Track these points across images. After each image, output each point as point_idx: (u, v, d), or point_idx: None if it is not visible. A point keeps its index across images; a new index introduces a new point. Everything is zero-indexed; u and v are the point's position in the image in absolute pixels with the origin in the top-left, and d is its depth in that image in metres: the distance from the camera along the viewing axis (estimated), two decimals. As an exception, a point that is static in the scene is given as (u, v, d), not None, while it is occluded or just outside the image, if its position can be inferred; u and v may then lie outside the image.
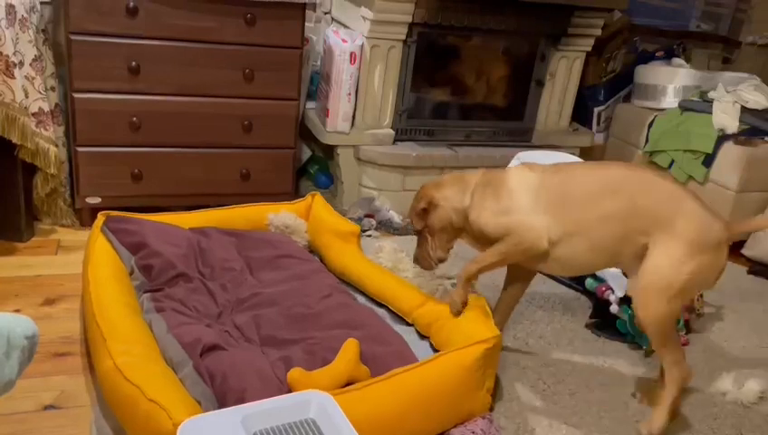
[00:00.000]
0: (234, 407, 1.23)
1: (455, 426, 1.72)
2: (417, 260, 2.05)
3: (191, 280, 2.04)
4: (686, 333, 2.33)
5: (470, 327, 1.86)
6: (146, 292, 1.97)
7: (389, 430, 1.57)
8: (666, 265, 1.72)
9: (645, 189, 1.76)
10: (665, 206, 1.74)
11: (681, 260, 1.71)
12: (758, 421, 1.95)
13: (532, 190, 1.83)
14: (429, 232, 1.98)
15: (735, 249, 3.02)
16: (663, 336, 1.78)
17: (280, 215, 2.45)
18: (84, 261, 2.07)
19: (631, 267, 1.81)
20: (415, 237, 2.84)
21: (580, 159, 3.01)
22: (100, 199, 2.57)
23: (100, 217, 2.17)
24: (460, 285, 1.94)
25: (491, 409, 1.82)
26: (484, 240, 1.89)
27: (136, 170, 2.58)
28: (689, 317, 2.37)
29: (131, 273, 2.06)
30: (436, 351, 1.92)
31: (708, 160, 3.11)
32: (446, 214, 1.93)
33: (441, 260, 2.02)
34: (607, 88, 3.72)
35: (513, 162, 2.87)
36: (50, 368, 1.82)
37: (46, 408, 1.68)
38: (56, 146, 2.46)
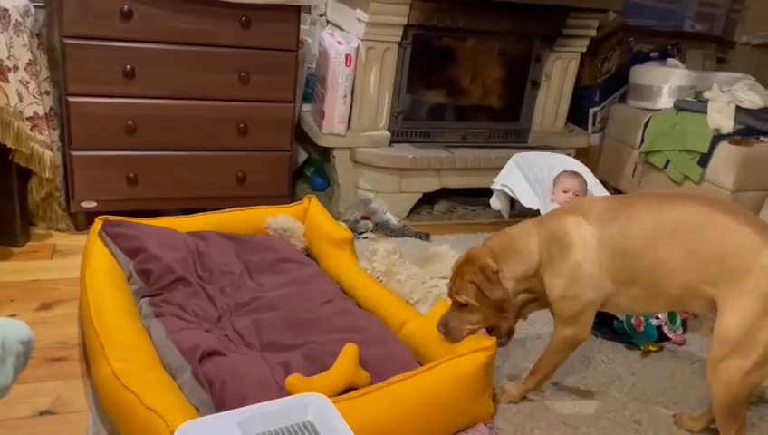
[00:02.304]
0: (231, 410, 1.22)
1: (456, 433, 1.71)
2: (448, 332, 1.76)
3: (190, 284, 2.03)
4: (684, 333, 2.33)
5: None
6: (144, 297, 1.96)
7: (390, 437, 1.56)
8: (736, 330, 1.49)
9: (708, 233, 1.54)
10: (735, 254, 1.50)
11: (756, 323, 1.46)
12: (755, 420, 1.95)
13: (594, 252, 1.65)
14: (484, 307, 1.73)
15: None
16: (731, 414, 1.58)
17: (278, 218, 2.44)
18: (82, 266, 2.06)
19: (711, 319, 1.62)
20: (411, 240, 2.87)
21: (577, 161, 3.01)
22: (95, 203, 2.56)
23: (98, 222, 2.16)
24: (519, 393, 1.88)
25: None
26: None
27: (131, 174, 2.57)
28: (687, 317, 2.37)
29: (129, 277, 2.05)
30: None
31: (704, 160, 3.11)
32: (508, 293, 1.73)
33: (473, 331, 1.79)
34: (602, 88, 3.73)
35: (510, 163, 2.87)
36: (45, 373, 1.81)
37: (42, 413, 1.67)
38: (51, 150, 2.45)
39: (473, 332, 1.77)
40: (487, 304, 1.71)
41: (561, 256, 1.68)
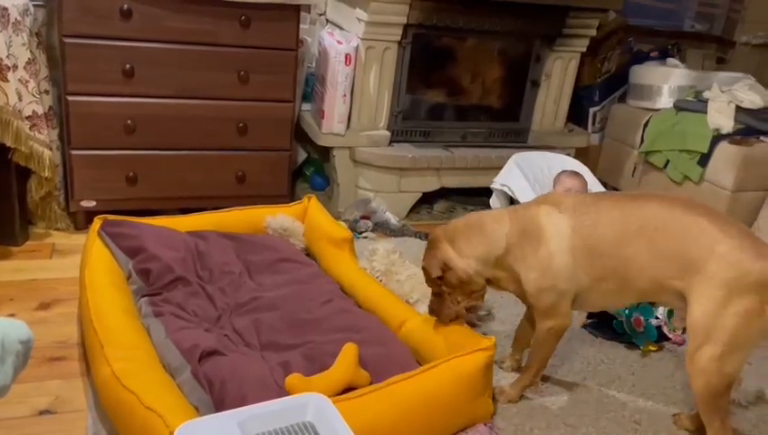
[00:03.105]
0: (231, 410, 1.22)
1: (456, 433, 1.71)
2: (433, 313, 1.85)
3: (190, 284, 2.03)
4: (683, 332, 2.33)
5: (459, 340, 1.81)
6: (144, 296, 1.95)
7: (390, 437, 1.56)
8: (704, 319, 1.54)
9: (670, 230, 1.59)
10: (695, 247, 1.56)
11: (720, 310, 1.51)
12: (754, 421, 1.95)
13: (568, 242, 1.69)
14: (448, 289, 1.80)
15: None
16: (713, 405, 1.59)
17: (278, 218, 2.44)
18: (81, 265, 2.06)
19: (682, 309, 1.66)
20: (411, 239, 2.87)
21: (577, 161, 3.01)
22: (94, 203, 2.56)
23: (97, 221, 2.16)
24: (517, 392, 1.89)
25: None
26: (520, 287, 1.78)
27: (131, 173, 2.57)
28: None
29: (129, 277, 2.05)
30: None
31: (704, 160, 3.11)
32: (465, 272, 1.76)
33: (461, 314, 1.86)
34: (602, 88, 3.73)
35: (510, 163, 2.87)
36: (45, 373, 1.81)
37: (41, 413, 1.67)
38: (50, 149, 2.45)
39: (457, 313, 1.83)
40: (455, 286, 1.78)
41: (533, 249, 1.72)
